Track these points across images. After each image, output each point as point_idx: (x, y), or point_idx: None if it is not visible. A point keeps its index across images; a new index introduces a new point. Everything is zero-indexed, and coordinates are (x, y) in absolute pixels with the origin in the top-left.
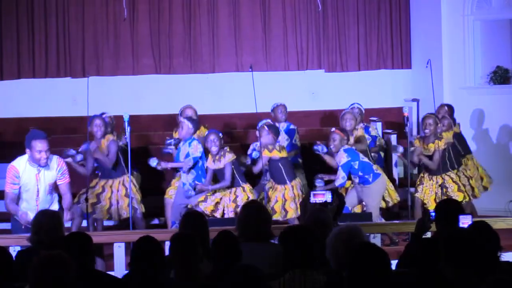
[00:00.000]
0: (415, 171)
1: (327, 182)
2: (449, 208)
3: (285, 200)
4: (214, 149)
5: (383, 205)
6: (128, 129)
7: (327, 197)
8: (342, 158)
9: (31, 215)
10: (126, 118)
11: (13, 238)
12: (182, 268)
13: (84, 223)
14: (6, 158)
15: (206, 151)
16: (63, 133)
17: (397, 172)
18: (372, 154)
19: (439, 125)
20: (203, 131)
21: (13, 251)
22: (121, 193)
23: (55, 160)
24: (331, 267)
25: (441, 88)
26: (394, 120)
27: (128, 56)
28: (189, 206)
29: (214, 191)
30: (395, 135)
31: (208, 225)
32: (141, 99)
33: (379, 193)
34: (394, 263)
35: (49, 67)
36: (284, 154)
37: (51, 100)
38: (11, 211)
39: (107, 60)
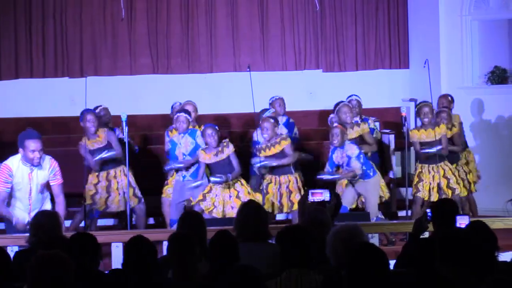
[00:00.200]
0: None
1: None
2: (444, 208)
3: (290, 192)
4: (213, 142)
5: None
6: (126, 129)
7: (325, 195)
8: (353, 149)
9: (25, 216)
10: (124, 118)
11: (10, 238)
12: (179, 267)
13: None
14: (4, 157)
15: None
16: (61, 133)
17: (393, 172)
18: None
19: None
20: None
21: (11, 251)
22: (123, 183)
23: (48, 160)
24: (330, 265)
25: (439, 88)
26: (392, 120)
27: (126, 56)
28: (188, 204)
29: (210, 188)
30: (393, 135)
31: (206, 225)
32: (139, 99)
33: (378, 187)
34: (391, 263)
35: (47, 67)
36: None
37: (49, 100)
38: (2, 214)
39: (105, 60)
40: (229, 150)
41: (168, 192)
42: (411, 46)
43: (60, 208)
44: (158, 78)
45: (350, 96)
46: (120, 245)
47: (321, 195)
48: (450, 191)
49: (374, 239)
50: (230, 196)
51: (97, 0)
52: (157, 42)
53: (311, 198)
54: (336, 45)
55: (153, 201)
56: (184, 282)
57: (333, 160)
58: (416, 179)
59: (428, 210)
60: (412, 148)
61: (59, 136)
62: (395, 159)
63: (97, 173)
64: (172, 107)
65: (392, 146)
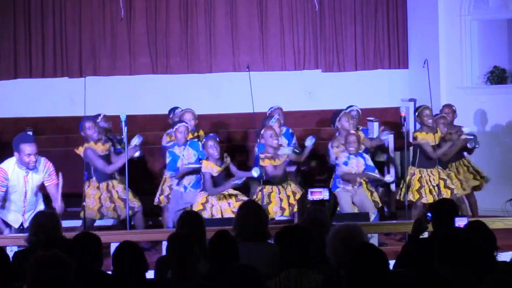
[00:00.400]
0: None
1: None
2: (443, 208)
3: (288, 197)
4: (216, 154)
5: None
6: (125, 129)
7: (325, 194)
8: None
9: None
10: (123, 118)
11: (10, 238)
12: (179, 267)
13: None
14: (3, 158)
15: None
16: (60, 133)
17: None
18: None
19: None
20: (202, 135)
21: (10, 251)
22: (121, 190)
23: (43, 162)
24: (330, 265)
25: (438, 88)
26: (391, 120)
27: (125, 55)
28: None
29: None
30: (392, 135)
31: (205, 225)
32: (138, 99)
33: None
34: (391, 263)
35: (46, 67)
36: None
37: (48, 100)
38: None
39: (104, 60)
40: (228, 160)
41: (166, 199)
42: (410, 46)
43: (58, 205)
44: (157, 78)
45: (350, 107)
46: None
47: (320, 194)
48: (449, 191)
49: (374, 239)
50: (230, 203)
51: (96, 0)
52: (156, 41)
53: (310, 197)
54: (336, 45)
55: (150, 201)
56: (183, 282)
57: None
58: (417, 184)
59: (429, 212)
60: (411, 148)
61: (59, 136)
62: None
63: (97, 185)
64: (170, 111)
65: (392, 146)
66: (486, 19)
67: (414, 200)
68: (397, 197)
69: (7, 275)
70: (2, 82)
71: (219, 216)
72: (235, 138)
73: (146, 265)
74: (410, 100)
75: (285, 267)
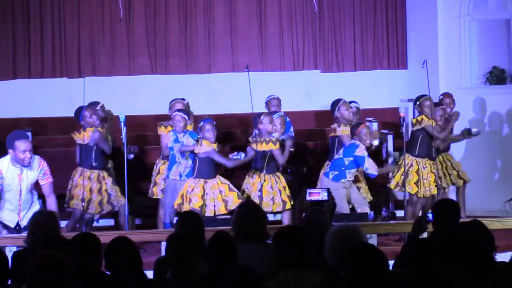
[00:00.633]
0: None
1: None
2: (444, 208)
3: (280, 191)
4: (212, 138)
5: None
6: (124, 130)
7: (323, 195)
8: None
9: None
10: (122, 118)
11: (9, 238)
12: (178, 268)
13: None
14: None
15: None
16: (60, 134)
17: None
18: None
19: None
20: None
21: (9, 251)
22: (109, 183)
23: (37, 160)
24: (329, 266)
25: (437, 89)
26: (390, 120)
27: (124, 56)
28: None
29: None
30: (391, 136)
31: (204, 224)
32: (137, 99)
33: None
34: (390, 264)
35: (45, 68)
36: (278, 145)
37: (47, 100)
38: None
39: (103, 60)
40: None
41: (160, 193)
42: (409, 46)
43: (52, 207)
44: (156, 78)
45: (349, 103)
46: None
47: (318, 195)
48: (434, 185)
49: (372, 239)
50: (222, 191)
51: (95, 0)
52: (155, 41)
53: (308, 198)
54: (335, 45)
55: (142, 201)
56: (183, 282)
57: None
58: (415, 177)
59: (429, 213)
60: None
61: (58, 136)
62: (392, 159)
63: (89, 175)
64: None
65: (391, 146)
66: (485, 19)
67: (413, 193)
68: (393, 187)
69: (6, 275)
70: (1, 82)
71: (212, 205)
72: (234, 139)
73: (141, 261)
74: (409, 100)
75: (283, 267)
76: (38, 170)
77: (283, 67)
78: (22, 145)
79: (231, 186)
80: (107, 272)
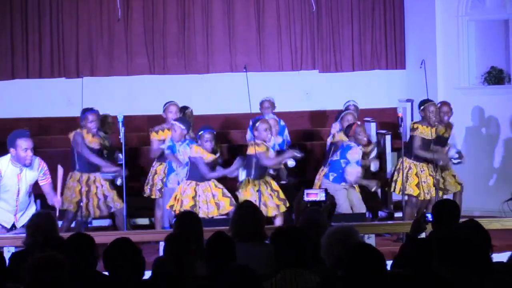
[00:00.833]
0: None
1: None
2: (444, 209)
3: (270, 196)
4: (208, 149)
5: None
6: (122, 130)
7: (320, 196)
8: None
9: (11, 218)
10: (120, 118)
11: (7, 238)
12: (177, 268)
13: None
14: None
15: None
16: (58, 134)
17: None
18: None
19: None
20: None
21: (8, 251)
22: (105, 186)
23: (37, 161)
24: (326, 266)
25: (436, 89)
26: (389, 120)
27: (122, 56)
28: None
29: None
30: (389, 136)
31: (202, 225)
32: (135, 99)
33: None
34: (388, 264)
35: (43, 67)
36: (263, 148)
37: (45, 100)
38: None
39: (101, 60)
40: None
41: (157, 192)
42: (407, 46)
43: (56, 202)
44: (154, 78)
45: (347, 102)
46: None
47: (316, 195)
48: (433, 189)
49: (371, 240)
50: (215, 195)
51: (93, 1)
52: (154, 41)
53: (306, 198)
54: (333, 45)
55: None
56: (181, 282)
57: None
58: (415, 179)
59: (428, 213)
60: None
61: (57, 136)
62: (391, 159)
63: (78, 178)
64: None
65: (389, 146)
66: (483, 19)
67: (415, 195)
68: (392, 190)
69: (5, 276)
70: (0, 82)
71: (205, 207)
72: (232, 139)
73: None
74: (408, 100)
75: (281, 267)
76: (38, 170)
77: (281, 67)
78: (24, 144)
79: (225, 191)
80: (104, 273)
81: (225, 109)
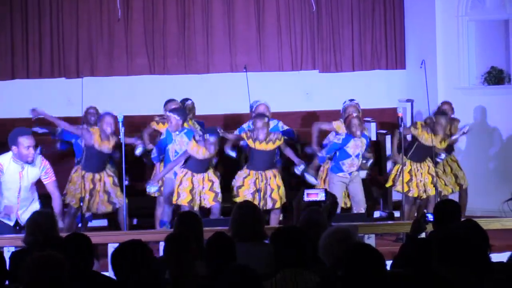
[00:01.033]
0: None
1: None
2: (446, 209)
3: (272, 189)
4: (211, 151)
5: None
6: (122, 130)
7: (321, 196)
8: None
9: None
10: (120, 118)
11: (7, 238)
12: (177, 267)
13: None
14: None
15: None
16: None
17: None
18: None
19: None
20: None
21: (7, 251)
22: (109, 183)
23: (39, 159)
24: (326, 266)
25: (436, 89)
26: (389, 120)
27: (122, 56)
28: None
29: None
30: (389, 136)
31: (203, 224)
32: (136, 99)
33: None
34: (388, 264)
35: (43, 68)
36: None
37: (45, 100)
38: None
39: (101, 60)
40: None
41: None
42: (407, 46)
43: (57, 203)
44: (155, 78)
45: (344, 102)
46: (117, 246)
47: (316, 196)
48: (433, 188)
49: (371, 240)
50: (204, 188)
51: (93, 1)
52: (154, 41)
53: (306, 198)
54: (333, 45)
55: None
56: (181, 282)
57: (347, 151)
58: (407, 177)
59: (428, 213)
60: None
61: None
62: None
63: (83, 174)
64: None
65: (389, 146)
66: (484, 19)
67: (403, 192)
68: (387, 185)
69: (5, 276)
70: (0, 82)
71: (199, 199)
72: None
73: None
74: (408, 100)
75: (280, 267)
76: (40, 169)
77: (281, 67)
78: (26, 141)
79: (216, 185)
80: (102, 273)
81: (225, 109)
